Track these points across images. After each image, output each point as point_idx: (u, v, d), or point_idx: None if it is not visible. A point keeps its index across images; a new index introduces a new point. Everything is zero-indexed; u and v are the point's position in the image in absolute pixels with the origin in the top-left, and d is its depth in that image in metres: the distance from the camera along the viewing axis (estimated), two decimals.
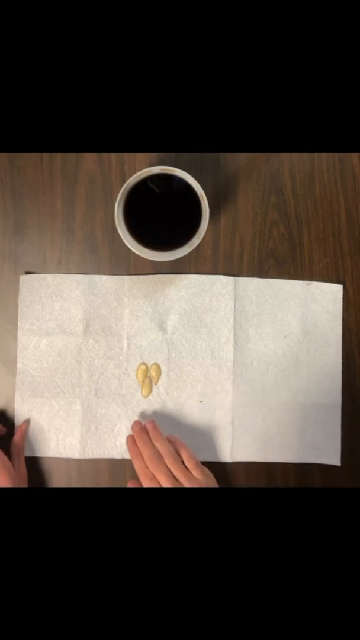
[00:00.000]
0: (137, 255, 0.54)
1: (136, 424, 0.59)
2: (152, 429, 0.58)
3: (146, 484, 0.55)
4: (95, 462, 0.59)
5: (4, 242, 0.60)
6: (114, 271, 0.60)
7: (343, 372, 0.61)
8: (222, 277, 0.59)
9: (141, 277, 0.59)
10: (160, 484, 0.54)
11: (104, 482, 0.60)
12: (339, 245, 0.61)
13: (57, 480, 0.59)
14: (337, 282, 0.61)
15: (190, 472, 0.55)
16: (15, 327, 0.60)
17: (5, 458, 0.55)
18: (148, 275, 0.59)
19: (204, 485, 0.54)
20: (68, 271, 0.60)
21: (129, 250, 0.53)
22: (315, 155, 0.61)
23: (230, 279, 0.59)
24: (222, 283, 0.59)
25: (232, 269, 0.60)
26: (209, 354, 0.59)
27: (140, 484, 0.56)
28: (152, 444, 0.57)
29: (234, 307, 0.60)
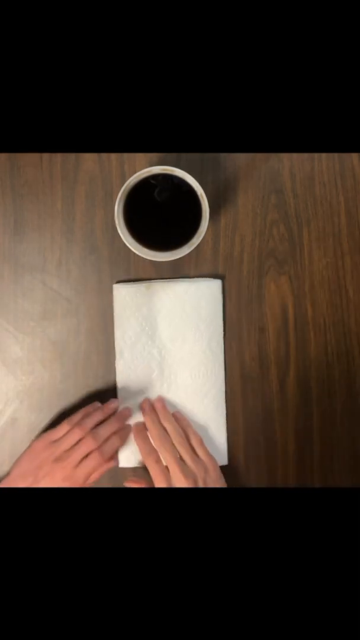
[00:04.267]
0: (137, 255, 0.54)
1: (146, 402, 0.59)
2: (161, 408, 0.59)
3: (151, 466, 0.55)
4: None
5: (4, 242, 0.60)
6: (113, 271, 0.60)
7: (338, 371, 0.61)
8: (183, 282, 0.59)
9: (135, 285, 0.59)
10: (164, 466, 0.55)
11: (103, 482, 0.59)
12: (339, 245, 0.61)
13: None
14: (337, 282, 0.61)
15: (195, 453, 0.56)
16: (15, 328, 0.60)
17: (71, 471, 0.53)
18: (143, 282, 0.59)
19: (209, 468, 0.55)
20: (68, 271, 0.60)
21: (129, 250, 0.53)
22: (315, 155, 0.60)
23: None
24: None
25: (232, 269, 0.60)
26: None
27: (137, 479, 0.58)
28: (160, 423, 0.57)
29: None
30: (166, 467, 0.55)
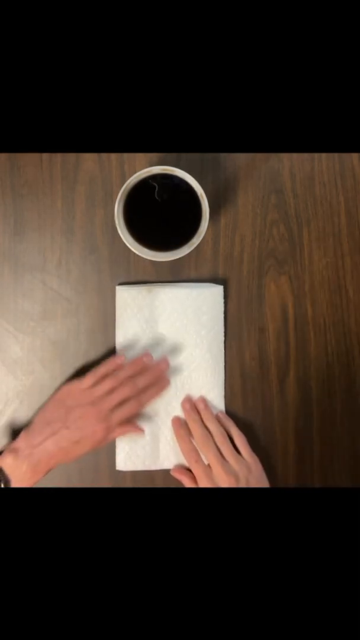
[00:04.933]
0: (137, 255, 0.54)
1: (187, 401, 0.59)
2: (204, 408, 0.59)
3: (192, 466, 0.56)
4: (95, 462, 0.59)
5: (4, 242, 0.60)
6: (114, 271, 0.60)
7: (345, 372, 0.61)
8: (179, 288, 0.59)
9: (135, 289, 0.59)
10: (206, 465, 0.56)
11: (103, 482, 0.60)
12: (339, 245, 0.61)
13: (57, 480, 0.59)
14: (337, 282, 0.61)
15: (239, 454, 0.57)
16: (15, 328, 0.60)
17: (102, 410, 0.53)
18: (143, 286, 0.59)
19: (251, 467, 0.56)
20: (68, 271, 0.60)
21: (129, 250, 0.53)
22: (315, 155, 0.60)
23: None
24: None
25: (232, 269, 0.60)
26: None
27: (184, 470, 0.58)
28: (203, 423, 0.58)
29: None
30: (208, 466, 0.56)
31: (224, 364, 0.60)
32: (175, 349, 0.60)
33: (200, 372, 0.60)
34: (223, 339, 0.60)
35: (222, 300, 0.60)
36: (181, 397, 0.60)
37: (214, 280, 0.60)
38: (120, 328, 0.59)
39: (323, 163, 0.61)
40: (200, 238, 0.53)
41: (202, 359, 0.59)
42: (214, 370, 0.60)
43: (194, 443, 0.57)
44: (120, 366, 0.56)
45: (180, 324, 0.59)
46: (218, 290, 0.59)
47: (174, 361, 0.59)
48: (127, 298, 0.59)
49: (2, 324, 0.60)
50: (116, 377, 0.55)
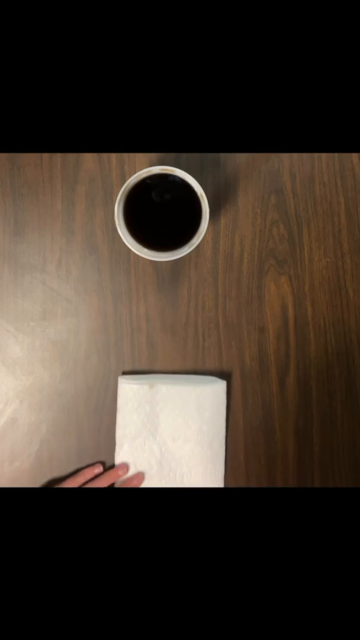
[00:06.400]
0: (137, 255, 0.54)
1: None
2: None
3: None
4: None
5: (4, 242, 0.60)
6: (114, 271, 0.60)
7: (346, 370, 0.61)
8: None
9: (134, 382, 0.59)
10: None
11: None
12: (339, 245, 0.61)
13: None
14: (337, 282, 0.61)
15: None
16: (15, 328, 0.60)
17: None
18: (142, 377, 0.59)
19: None
20: (68, 271, 0.60)
21: (129, 250, 0.53)
22: (315, 155, 0.60)
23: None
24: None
25: (232, 269, 0.60)
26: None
27: None
28: None
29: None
30: None
31: (224, 461, 0.60)
32: (176, 444, 0.59)
33: (200, 468, 0.59)
34: (224, 434, 0.59)
35: (224, 396, 0.59)
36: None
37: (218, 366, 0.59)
38: (120, 421, 0.59)
39: (323, 163, 0.61)
40: (200, 238, 0.53)
41: (202, 455, 0.59)
42: (214, 466, 0.59)
43: None
44: (97, 475, 0.58)
45: (182, 420, 0.59)
46: (221, 386, 0.59)
47: (174, 456, 0.59)
48: (128, 392, 0.58)
49: (2, 324, 0.60)
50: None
